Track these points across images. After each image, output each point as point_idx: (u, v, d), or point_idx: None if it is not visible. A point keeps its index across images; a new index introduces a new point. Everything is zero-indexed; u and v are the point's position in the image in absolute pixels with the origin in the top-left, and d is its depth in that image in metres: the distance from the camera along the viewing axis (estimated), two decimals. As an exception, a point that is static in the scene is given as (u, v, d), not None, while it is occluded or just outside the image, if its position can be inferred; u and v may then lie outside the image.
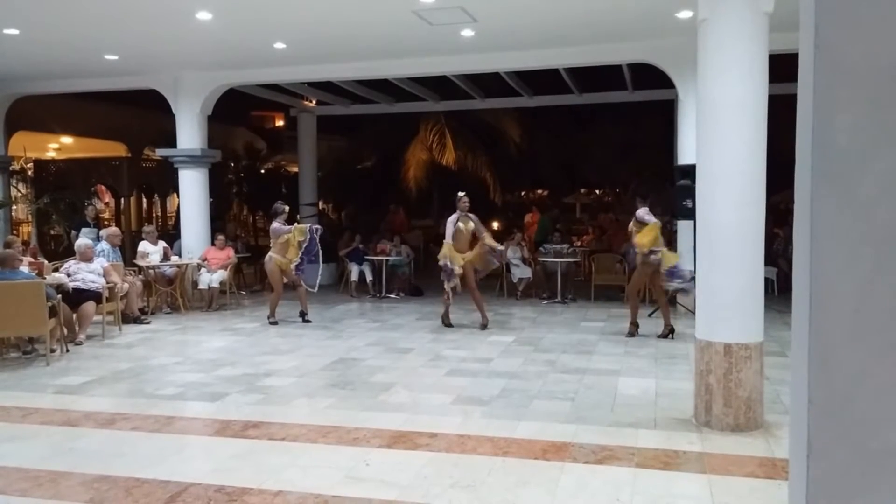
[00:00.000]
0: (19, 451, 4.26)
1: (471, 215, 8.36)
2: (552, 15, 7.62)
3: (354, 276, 11.43)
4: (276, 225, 8.84)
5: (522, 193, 22.42)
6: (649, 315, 8.93)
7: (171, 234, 12.73)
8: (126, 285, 8.67)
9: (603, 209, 19.58)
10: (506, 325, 8.65)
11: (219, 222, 12.69)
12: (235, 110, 15.48)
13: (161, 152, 11.72)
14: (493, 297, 11.06)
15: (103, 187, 16.18)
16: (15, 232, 13.10)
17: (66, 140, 16.06)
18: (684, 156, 9.06)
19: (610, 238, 12.94)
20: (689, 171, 7.20)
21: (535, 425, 4.65)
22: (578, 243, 13.04)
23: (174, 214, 16.30)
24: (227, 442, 4.43)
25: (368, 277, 11.48)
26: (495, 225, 17.76)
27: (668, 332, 7.70)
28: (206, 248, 10.58)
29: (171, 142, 11.02)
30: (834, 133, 1.18)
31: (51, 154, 16.27)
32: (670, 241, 9.39)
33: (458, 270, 8.10)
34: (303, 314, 8.90)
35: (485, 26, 7.92)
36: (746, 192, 4.43)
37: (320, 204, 15.60)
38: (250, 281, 12.70)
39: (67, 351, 7.16)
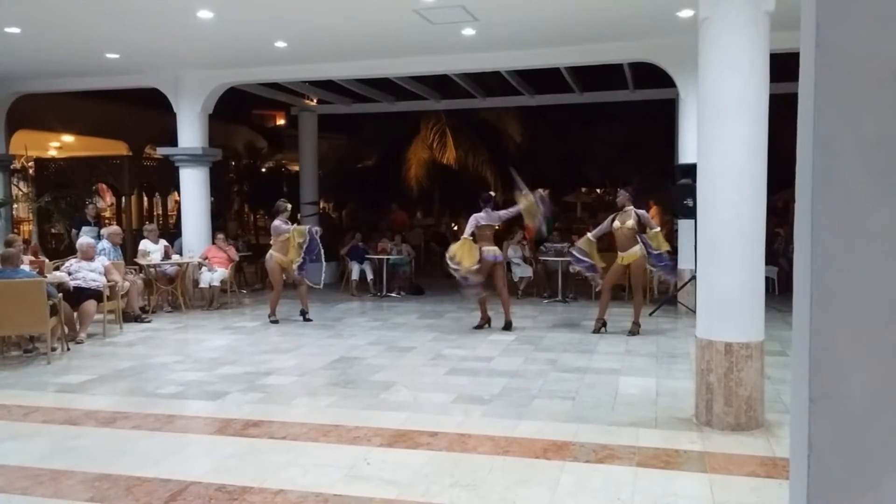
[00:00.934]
0: (20, 450, 4.26)
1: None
2: (553, 14, 7.62)
3: (355, 275, 11.43)
4: (277, 223, 8.84)
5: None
6: (650, 314, 8.93)
7: (171, 232, 12.73)
8: (127, 284, 8.68)
9: (603, 208, 19.56)
10: (506, 324, 8.65)
11: (220, 221, 12.70)
12: (236, 109, 15.49)
13: (162, 151, 11.73)
14: (493, 295, 11.06)
15: (104, 186, 16.19)
16: (16, 230, 13.11)
17: (68, 139, 16.07)
18: (685, 155, 9.05)
19: (611, 237, 12.92)
20: (690, 169, 7.21)
21: (535, 424, 4.65)
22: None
23: (175, 213, 16.30)
24: (227, 440, 4.43)
25: (369, 276, 11.48)
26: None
27: (636, 329, 7.83)
28: (206, 246, 10.59)
29: (172, 140, 11.03)
30: (835, 132, 1.18)
31: (52, 152, 16.28)
32: (669, 238, 9.42)
33: (473, 278, 7.92)
34: (304, 313, 8.90)
35: (486, 25, 7.92)
36: (747, 191, 4.43)
37: (321, 203, 15.60)
38: (251, 279, 12.71)
39: (68, 349, 7.16)
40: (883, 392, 1.15)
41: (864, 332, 1.16)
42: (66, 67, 10.22)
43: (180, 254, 10.44)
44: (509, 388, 5.61)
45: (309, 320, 8.80)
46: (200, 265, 10.18)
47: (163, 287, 9.84)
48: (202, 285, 10.06)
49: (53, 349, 6.88)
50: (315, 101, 14.17)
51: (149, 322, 8.88)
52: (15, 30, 7.97)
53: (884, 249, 1.15)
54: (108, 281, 8.05)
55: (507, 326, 8.22)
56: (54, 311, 6.82)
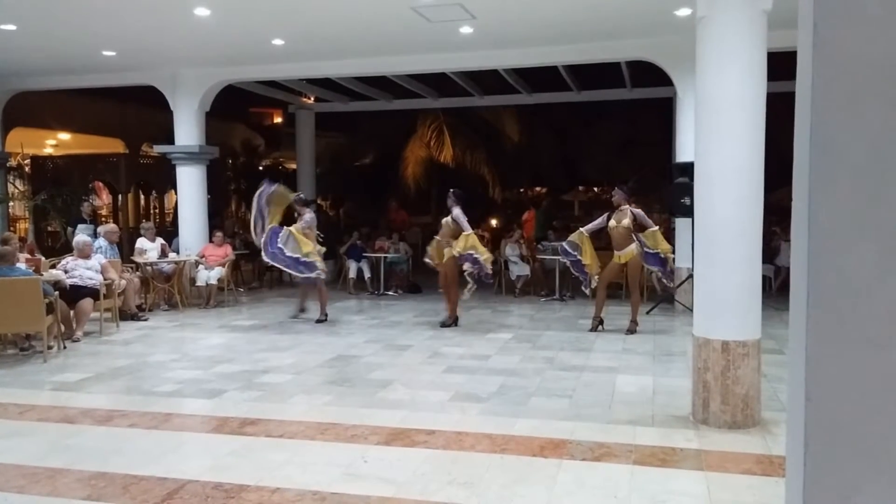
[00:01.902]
0: (16, 448, 4.25)
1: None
2: (551, 12, 7.62)
3: (353, 274, 11.43)
4: (311, 216, 8.73)
5: (521, 191, 22.41)
6: (647, 312, 8.94)
7: (168, 230, 12.72)
8: (124, 282, 8.66)
9: (600, 207, 19.55)
10: (504, 323, 8.65)
11: (217, 219, 12.69)
12: (233, 107, 15.46)
13: (159, 149, 11.70)
14: (492, 294, 11.07)
15: (101, 184, 16.15)
16: (12, 228, 13.08)
17: (64, 136, 16.02)
18: (683, 153, 9.07)
19: (607, 235, 12.92)
20: (688, 168, 7.22)
21: (532, 422, 4.65)
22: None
23: (172, 211, 16.28)
24: (224, 439, 4.43)
25: (367, 275, 11.48)
26: (494, 222, 17.77)
27: (634, 328, 7.84)
28: (203, 244, 10.57)
29: (169, 138, 11.01)
30: (832, 131, 1.18)
31: (48, 150, 16.23)
32: (668, 236, 9.43)
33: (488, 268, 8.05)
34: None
35: (484, 23, 7.92)
36: (744, 189, 4.43)
37: (319, 201, 15.58)
38: (248, 278, 12.70)
39: (65, 348, 7.15)
40: (880, 390, 1.16)
41: (861, 331, 1.16)
42: (63, 65, 10.19)
43: (177, 252, 10.42)
44: (506, 386, 5.61)
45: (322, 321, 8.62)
46: (197, 263, 10.16)
47: (159, 285, 9.82)
48: (199, 283, 10.04)
49: (50, 347, 6.86)
50: (312, 99, 14.15)
51: (145, 320, 8.86)
52: (11, 27, 7.94)
53: (880, 248, 1.16)
54: (105, 279, 8.03)
55: (454, 322, 8.27)
56: (51, 309, 6.80)
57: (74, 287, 7.69)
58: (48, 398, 5.41)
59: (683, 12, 7.43)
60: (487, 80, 12.55)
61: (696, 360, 4.66)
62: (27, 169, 14.03)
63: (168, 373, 6.19)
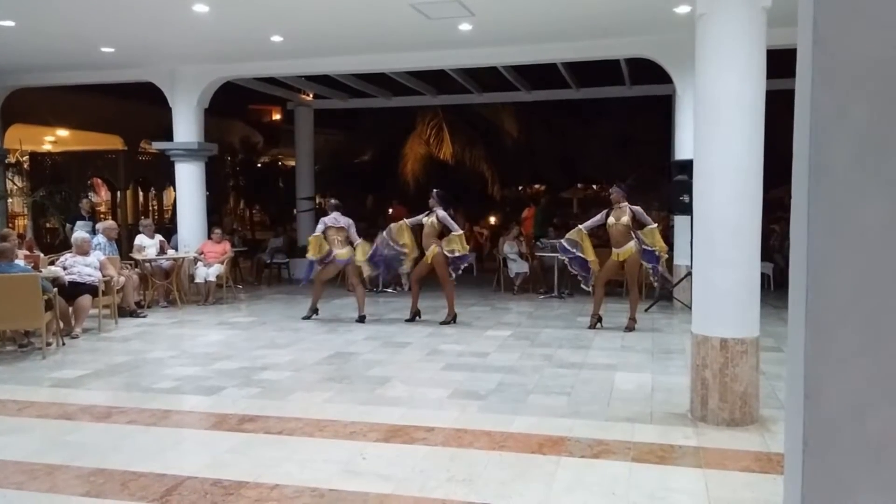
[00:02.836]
0: (15, 445, 4.25)
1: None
2: (550, 9, 7.61)
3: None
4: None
5: (520, 188, 22.40)
6: (646, 310, 8.95)
7: (167, 227, 12.71)
8: (122, 279, 8.66)
9: (599, 204, 19.53)
10: (503, 320, 8.66)
11: (215, 216, 12.68)
12: (232, 104, 15.43)
13: (157, 146, 11.69)
14: (490, 291, 11.07)
15: (99, 181, 16.13)
16: (11, 225, 13.07)
17: (63, 133, 15.99)
18: (682, 151, 9.07)
19: (605, 232, 12.92)
20: (687, 166, 7.22)
21: (531, 420, 4.66)
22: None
23: (171, 208, 16.26)
24: (223, 435, 4.43)
25: (366, 272, 11.46)
26: (493, 219, 17.76)
27: (632, 325, 7.87)
28: (202, 241, 10.57)
29: (168, 135, 10.99)
30: (832, 128, 1.18)
31: (47, 147, 16.20)
32: (666, 235, 9.43)
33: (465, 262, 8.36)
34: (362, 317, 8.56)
35: (482, 20, 7.91)
36: (743, 187, 4.43)
37: (317, 198, 15.57)
38: (247, 275, 12.69)
39: (63, 344, 7.15)
40: (878, 388, 1.16)
41: (859, 328, 1.17)
42: (61, 61, 10.17)
43: (176, 249, 10.42)
44: (505, 383, 5.62)
45: (360, 320, 8.48)
46: (196, 260, 10.16)
47: (158, 282, 9.82)
48: (198, 280, 10.04)
49: (48, 344, 6.86)
50: (311, 96, 14.12)
51: (144, 317, 8.86)
52: (9, 23, 7.92)
53: (879, 245, 1.16)
54: (104, 276, 8.03)
55: (453, 320, 8.36)
56: (49, 305, 6.80)
57: (73, 283, 7.68)
58: (47, 395, 5.41)
59: (683, 9, 7.42)
60: (486, 78, 12.54)
61: (695, 358, 4.67)
62: (26, 165, 14.01)
63: (167, 369, 6.19)
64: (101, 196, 17.07)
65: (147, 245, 9.78)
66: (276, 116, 23.01)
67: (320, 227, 8.47)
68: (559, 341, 7.28)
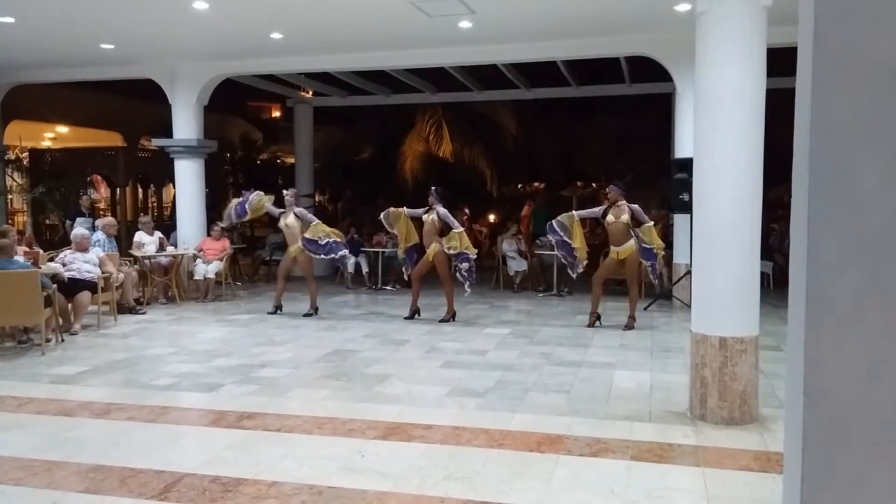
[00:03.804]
0: (14, 441, 4.25)
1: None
2: (550, 7, 7.60)
3: (350, 268, 11.42)
4: (301, 210, 8.90)
5: (519, 186, 22.39)
6: (644, 308, 8.95)
7: (166, 224, 12.70)
8: (121, 275, 8.65)
9: (598, 202, 19.50)
10: (502, 318, 8.66)
11: (214, 213, 12.66)
12: (232, 100, 15.42)
13: (157, 142, 11.68)
14: (489, 289, 11.07)
15: (99, 177, 16.11)
16: (10, 221, 13.05)
17: (62, 129, 15.97)
18: (681, 149, 9.06)
19: (604, 231, 12.92)
20: (687, 164, 7.21)
21: (530, 417, 4.66)
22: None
23: (170, 205, 16.25)
24: (222, 432, 4.43)
25: (364, 269, 11.48)
26: (492, 217, 17.74)
27: (631, 324, 7.88)
28: (201, 238, 10.56)
29: (168, 132, 10.98)
30: (832, 127, 1.18)
31: (47, 143, 16.18)
32: (666, 234, 9.44)
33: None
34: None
35: (483, 18, 7.89)
36: (743, 186, 4.43)
37: (316, 195, 15.56)
38: (246, 271, 12.69)
39: (62, 341, 7.14)
40: (878, 387, 1.16)
41: (860, 327, 1.16)
42: (61, 58, 10.15)
43: (175, 246, 10.41)
44: (504, 381, 5.62)
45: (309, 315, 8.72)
46: (195, 257, 10.16)
47: (157, 279, 9.81)
48: (197, 277, 10.04)
49: (48, 340, 6.86)
50: (311, 93, 14.11)
51: (143, 314, 8.86)
52: (9, 19, 7.90)
53: (880, 244, 1.15)
54: (103, 272, 8.02)
55: (452, 318, 8.39)
56: (48, 302, 6.79)
57: (72, 280, 7.67)
58: (46, 391, 5.41)
59: (683, 7, 7.41)
60: (486, 75, 12.52)
61: (694, 357, 4.67)
62: (25, 162, 13.99)
63: (166, 366, 6.18)
64: (101, 193, 17.06)
65: (146, 242, 9.77)
66: (276, 113, 22.98)
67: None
68: (558, 339, 7.28)
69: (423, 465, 3.83)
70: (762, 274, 5.61)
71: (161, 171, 14.36)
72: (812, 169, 1.18)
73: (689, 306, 5.18)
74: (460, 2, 7.25)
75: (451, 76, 11.85)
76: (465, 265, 8.14)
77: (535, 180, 22.19)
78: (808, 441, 1.17)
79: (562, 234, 7.99)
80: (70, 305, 7.56)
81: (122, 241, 11.33)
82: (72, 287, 7.60)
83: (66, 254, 8.09)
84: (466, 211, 14.72)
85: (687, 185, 7.20)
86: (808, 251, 1.18)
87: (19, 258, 7.26)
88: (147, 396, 5.22)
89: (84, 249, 8.10)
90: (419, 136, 16.64)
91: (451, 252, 8.14)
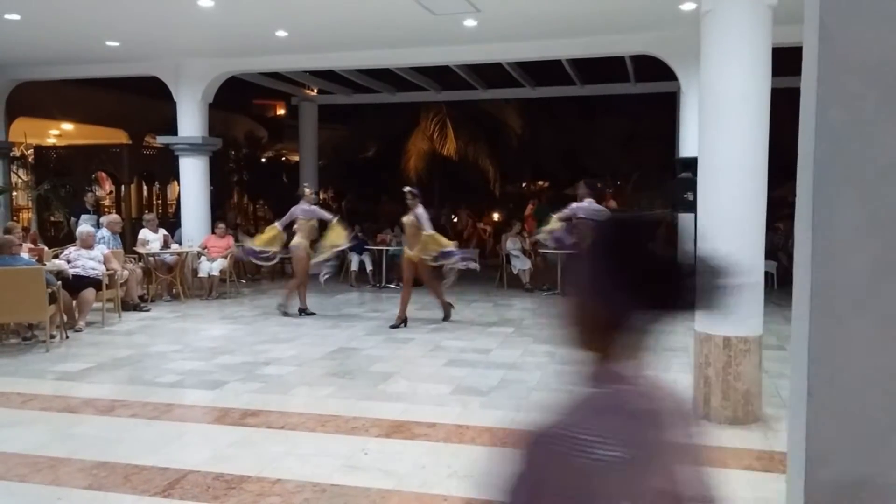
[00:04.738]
0: (19, 437, 4.27)
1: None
2: (555, 5, 7.58)
3: (354, 266, 11.43)
4: (307, 206, 8.61)
5: (523, 185, 22.38)
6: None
7: (171, 221, 12.72)
8: (126, 273, 8.68)
9: (601, 200, 19.45)
10: (505, 317, 8.66)
11: (219, 210, 12.69)
12: (236, 98, 15.42)
13: (162, 140, 11.70)
14: (493, 288, 11.06)
15: (104, 174, 16.14)
16: (15, 218, 13.08)
17: (67, 126, 16.01)
18: (686, 148, 9.04)
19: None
20: (691, 163, 7.19)
21: (533, 416, 4.65)
22: (579, 235, 13.03)
23: (175, 202, 16.28)
24: (225, 430, 4.44)
25: (368, 267, 11.48)
26: (496, 216, 17.73)
27: (447, 316, 8.10)
28: (206, 236, 10.58)
29: (172, 129, 11.00)
30: (837, 126, 1.18)
31: (51, 140, 16.22)
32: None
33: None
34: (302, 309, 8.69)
35: (488, 16, 7.88)
36: (748, 185, 4.42)
37: (321, 193, 15.58)
38: (250, 269, 12.70)
39: (67, 337, 7.17)
40: (881, 386, 1.15)
41: (863, 327, 1.16)
42: (67, 55, 10.17)
43: (179, 243, 10.43)
44: (507, 380, 5.62)
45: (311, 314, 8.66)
46: (199, 254, 10.18)
47: (162, 276, 9.84)
48: (201, 275, 10.06)
49: (52, 337, 6.88)
50: (315, 91, 14.11)
51: (147, 311, 8.88)
52: (15, 16, 7.92)
53: (883, 244, 1.15)
54: (107, 269, 8.05)
55: (447, 316, 8.29)
56: (53, 299, 6.82)
57: (77, 277, 7.70)
58: (50, 388, 5.43)
59: (688, 6, 7.39)
60: (490, 74, 12.51)
61: (698, 356, 4.66)
62: (30, 159, 14.03)
63: (170, 363, 6.20)
64: (105, 190, 17.09)
65: (151, 239, 9.80)
66: (281, 111, 22.98)
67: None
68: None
69: (426, 463, 3.84)
70: (766, 273, 5.60)
71: (166, 168, 14.36)
72: (817, 168, 1.17)
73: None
74: (466, 0, 7.24)
75: (455, 74, 11.84)
76: (453, 259, 7.97)
77: (539, 179, 22.16)
78: (811, 441, 1.17)
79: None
80: (74, 302, 7.59)
81: (127, 238, 11.34)
82: (76, 284, 7.62)
83: (71, 251, 8.12)
84: (468, 216, 14.72)
85: (691, 185, 7.18)
86: (812, 251, 1.18)
87: (24, 255, 7.28)
88: (151, 393, 5.23)
89: (89, 246, 8.12)
90: (423, 135, 16.63)
91: (429, 258, 7.85)
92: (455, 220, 16.18)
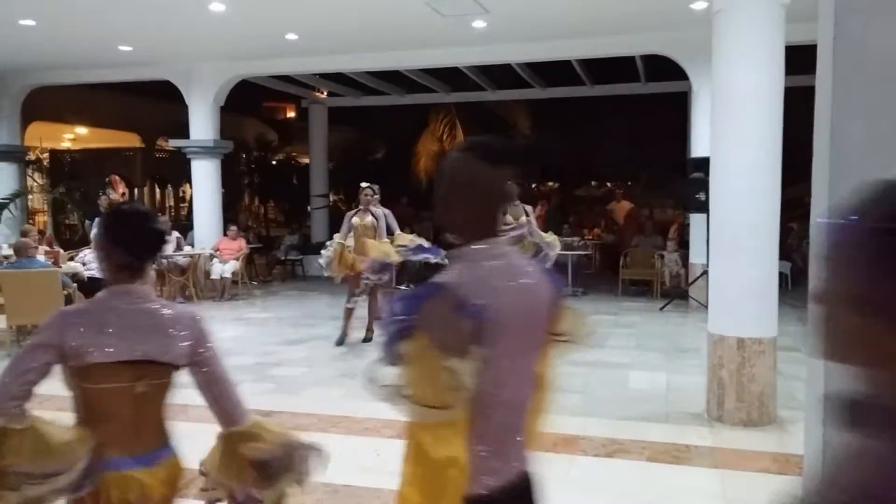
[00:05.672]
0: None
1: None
2: (564, 6, 7.57)
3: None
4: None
5: (533, 186, 22.34)
6: (661, 308, 8.89)
7: (183, 224, 12.81)
8: (139, 275, 8.73)
9: (612, 201, 19.40)
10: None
11: (231, 213, 12.76)
12: (247, 101, 15.50)
13: (174, 143, 11.78)
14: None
15: (117, 178, 16.27)
16: (31, 221, 13.22)
17: (81, 130, 16.17)
18: (697, 148, 8.99)
19: (622, 230, 12.87)
20: (703, 163, 7.16)
21: (543, 418, 4.64)
22: (589, 236, 13.00)
23: (187, 205, 16.39)
24: (238, 431, 4.46)
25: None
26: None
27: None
28: (218, 238, 10.65)
29: (184, 133, 11.08)
30: (852, 125, 1.17)
31: (66, 144, 16.39)
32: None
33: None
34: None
35: (497, 17, 7.88)
36: (761, 184, 4.39)
37: (331, 195, 15.63)
38: (262, 271, 12.76)
39: (82, 339, 7.21)
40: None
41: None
42: (80, 60, 10.27)
43: (192, 245, 10.50)
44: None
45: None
46: (212, 257, 10.24)
47: (174, 278, 9.90)
48: (213, 276, 10.12)
49: (67, 339, 6.93)
50: (325, 93, 14.16)
51: (161, 313, 8.92)
52: (30, 22, 8.01)
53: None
54: (121, 272, 8.10)
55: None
56: (69, 300, 6.88)
57: (92, 279, 7.76)
58: (64, 389, 5.47)
59: (699, 6, 7.35)
60: (500, 75, 12.50)
61: (711, 357, 4.63)
62: (45, 162, 14.18)
63: (183, 365, 6.23)
64: (119, 193, 17.22)
65: (163, 242, 9.86)
66: (291, 114, 23.07)
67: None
68: (573, 339, 7.24)
69: (437, 464, 3.83)
70: (780, 274, 5.56)
71: (178, 171, 14.46)
72: (832, 167, 1.17)
73: (706, 306, 5.14)
74: (474, 1, 7.24)
75: (464, 76, 11.85)
76: (423, 255, 7.15)
77: (548, 180, 22.12)
78: (828, 443, 1.16)
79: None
80: (89, 304, 7.65)
81: (140, 240, 11.41)
82: (91, 286, 7.68)
83: (86, 253, 8.19)
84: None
85: (703, 185, 7.14)
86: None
87: (40, 258, 7.36)
88: (164, 395, 5.26)
89: (103, 249, 8.19)
90: (433, 136, 16.65)
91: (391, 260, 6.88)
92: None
